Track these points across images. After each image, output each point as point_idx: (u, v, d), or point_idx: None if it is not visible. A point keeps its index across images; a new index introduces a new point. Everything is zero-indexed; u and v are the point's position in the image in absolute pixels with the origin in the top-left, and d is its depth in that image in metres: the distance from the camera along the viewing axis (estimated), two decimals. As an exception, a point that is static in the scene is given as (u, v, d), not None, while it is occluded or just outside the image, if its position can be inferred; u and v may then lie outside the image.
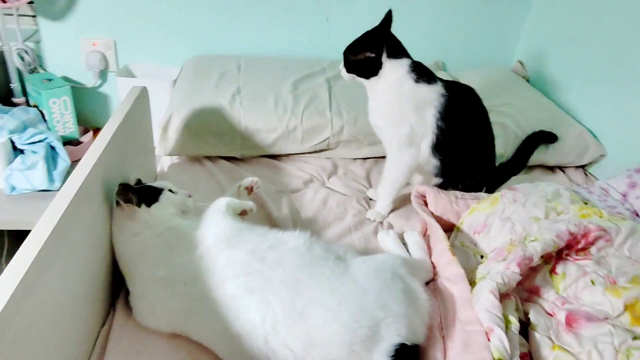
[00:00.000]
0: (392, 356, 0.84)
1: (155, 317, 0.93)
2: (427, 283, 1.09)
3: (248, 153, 1.56)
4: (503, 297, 0.98)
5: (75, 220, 0.82)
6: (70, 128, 1.77)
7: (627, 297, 0.97)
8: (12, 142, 1.52)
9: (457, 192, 1.31)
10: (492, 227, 1.19)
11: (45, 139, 1.56)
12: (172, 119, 1.49)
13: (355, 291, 0.88)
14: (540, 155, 1.64)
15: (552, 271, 1.08)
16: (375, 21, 1.24)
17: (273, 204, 1.33)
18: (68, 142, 1.76)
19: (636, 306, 0.97)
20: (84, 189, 0.86)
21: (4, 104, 1.74)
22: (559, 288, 1.05)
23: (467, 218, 1.25)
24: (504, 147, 1.59)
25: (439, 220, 1.23)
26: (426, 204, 1.30)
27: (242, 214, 1.10)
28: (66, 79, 1.92)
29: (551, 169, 1.71)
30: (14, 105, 1.78)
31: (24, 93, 1.83)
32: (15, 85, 1.81)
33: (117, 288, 1.04)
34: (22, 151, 1.54)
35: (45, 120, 1.71)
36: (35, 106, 1.74)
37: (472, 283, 1.04)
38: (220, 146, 1.53)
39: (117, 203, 1.01)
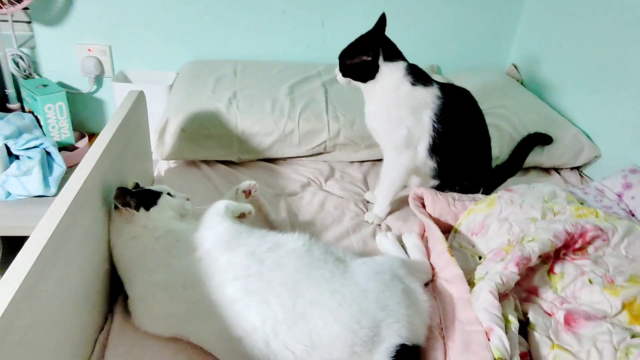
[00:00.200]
0: (393, 357, 0.84)
1: (155, 321, 0.92)
2: (426, 284, 1.10)
3: (245, 157, 1.56)
4: (502, 297, 0.99)
5: (73, 224, 0.82)
6: (66, 133, 1.77)
7: (625, 295, 0.98)
8: (8, 148, 1.51)
9: (455, 194, 1.32)
10: (490, 228, 1.20)
11: (40, 144, 1.55)
12: (168, 123, 1.49)
13: (356, 292, 0.88)
14: (535, 157, 1.65)
15: (550, 271, 1.08)
16: (370, 26, 1.25)
17: (271, 207, 1.33)
18: (63, 147, 1.76)
19: (634, 305, 0.98)
20: (82, 193, 0.86)
21: (-1, 110, 1.73)
22: (557, 288, 1.06)
23: (464, 219, 1.26)
24: (499, 149, 1.60)
25: (436, 222, 1.23)
26: (424, 206, 1.31)
27: (241, 216, 1.10)
28: (61, 84, 1.91)
29: (546, 170, 1.72)
30: (9, 111, 1.78)
31: (19, 99, 1.83)
32: (10, 91, 1.80)
33: (115, 292, 1.03)
34: (17, 157, 1.53)
35: (40, 126, 1.70)
36: (31, 112, 1.74)
37: (471, 284, 1.04)
38: (218, 150, 1.53)
39: (115, 207, 1.01)
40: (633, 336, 0.93)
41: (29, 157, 1.51)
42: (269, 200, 1.37)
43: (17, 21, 1.81)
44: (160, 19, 1.89)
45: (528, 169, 1.68)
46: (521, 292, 1.08)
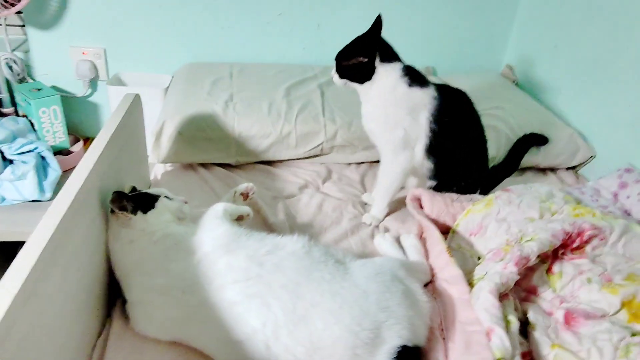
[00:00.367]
0: (395, 358, 0.83)
1: (154, 326, 0.92)
2: (426, 285, 1.10)
3: (242, 159, 1.56)
4: (502, 297, 0.99)
5: (71, 229, 0.81)
6: (61, 137, 1.76)
7: (624, 294, 0.98)
8: (2, 153, 1.49)
9: (452, 195, 1.32)
10: (488, 228, 1.20)
11: (35, 148, 1.54)
12: (165, 126, 1.48)
13: (356, 294, 0.88)
14: (531, 157, 1.66)
15: (549, 270, 1.09)
16: (366, 29, 1.25)
17: (269, 210, 1.33)
18: (58, 151, 1.74)
19: (633, 303, 0.98)
20: (79, 197, 0.85)
21: (-7, 114, 1.72)
22: (556, 287, 1.06)
23: (462, 220, 1.26)
24: (496, 150, 1.61)
25: (434, 222, 1.24)
26: (422, 207, 1.31)
27: (239, 219, 1.09)
28: (56, 88, 1.90)
29: (543, 170, 1.73)
30: (3, 115, 1.77)
31: (13, 103, 1.82)
32: (3, 95, 1.79)
33: (113, 297, 1.02)
34: (11, 161, 1.52)
35: (34, 130, 1.69)
36: (25, 116, 1.72)
37: (470, 284, 1.04)
38: (215, 153, 1.53)
39: (112, 211, 1.00)
40: (633, 334, 0.93)
41: (24, 162, 1.50)
42: (267, 202, 1.37)
43: (11, 25, 1.80)
44: (155, 22, 1.89)
45: (524, 170, 1.69)
46: (520, 292, 1.08)
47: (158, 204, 1.02)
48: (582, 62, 1.75)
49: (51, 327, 0.75)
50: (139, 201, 1.01)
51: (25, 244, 0.72)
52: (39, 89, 1.72)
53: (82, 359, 0.88)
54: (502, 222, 1.19)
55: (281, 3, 1.93)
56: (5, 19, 1.76)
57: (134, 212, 0.99)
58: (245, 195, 1.24)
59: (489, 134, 1.42)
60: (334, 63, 1.30)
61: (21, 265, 0.68)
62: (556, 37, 1.90)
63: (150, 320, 0.92)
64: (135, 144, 1.30)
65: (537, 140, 1.66)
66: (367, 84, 1.27)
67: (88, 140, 1.95)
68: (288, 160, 1.61)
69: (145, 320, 0.93)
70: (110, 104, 1.88)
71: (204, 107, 1.56)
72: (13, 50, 1.83)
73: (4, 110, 1.80)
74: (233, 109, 1.57)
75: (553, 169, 1.74)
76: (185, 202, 1.09)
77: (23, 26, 1.82)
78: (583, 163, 1.72)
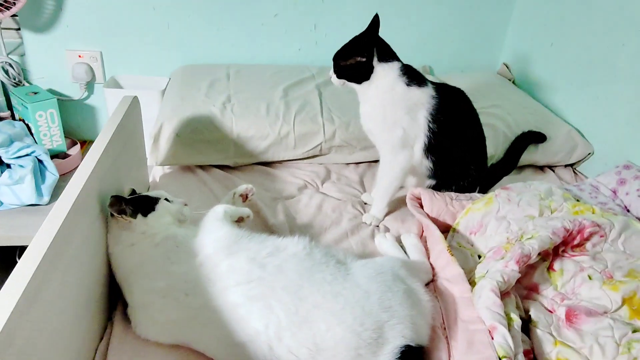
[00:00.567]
0: (398, 358, 0.83)
1: (156, 329, 0.91)
2: (427, 284, 1.10)
3: (241, 161, 1.56)
4: (503, 295, 0.99)
5: (71, 233, 0.81)
6: (58, 141, 1.75)
7: (625, 290, 0.98)
8: (-1, 157, 1.49)
9: (452, 194, 1.32)
10: (488, 226, 1.20)
11: (32, 152, 1.54)
12: (163, 128, 1.48)
13: (358, 295, 0.88)
14: (530, 155, 1.67)
15: (550, 268, 1.09)
16: (362, 29, 1.25)
17: (268, 211, 1.33)
18: (55, 155, 1.74)
19: (634, 299, 0.98)
20: (79, 201, 0.85)
21: (-11, 119, 1.71)
22: (557, 284, 1.06)
23: (462, 219, 1.26)
24: (494, 148, 1.61)
25: (434, 221, 1.24)
26: (421, 206, 1.31)
27: (239, 220, 1.09)
28: (52, 91, 1.89)
29: (541, 168, 1.73)
30: (0, 119, 1.75)
31: (9, 107, 1.81)
32: (0, 99, 1.78)
33: (113, 300, 1.02)
34: (8, 165, 1.51)
35: (31, 134, 1.68)
36: (21, 120, 1.72)
37: (472, 283, 1.04)
38: (213, 154, 1.52)
39: (112, 215, 0.99)
40: (634, 331, 0.93)
41: (21, 166, 1.49)
42: (267, 203, 1.36)
43: (6, 28, 1.79)
44: (151, 24, 1.88)
45: (523, 167, 1.70)
46: (522, 290, 1.08)
47: (158, 207, 1.02)
48: (579, 59, 1.76)
49: (53, 331, 0.74)
50: (139, 204, 1.00)
51: (27, 249, 0.72)
52: (36, 93, 1.71)
53: (84, 364, 0.88)
54: (502, 221, 1.19)
55: (276, 4, 1.92)
56: (1, 23, 1.75)
57: (133, 215, 0.98)
58: (244, 197, 1.24)
59: (487, 133, 1.42)
60: (330, 63, 1.30)
61: (23, 270, 0.68)
62: (552, 35, 1.90)
63: (151, 323, 0.92)
64: (133, 146, 1.30)
65: (535, 138, 1.67)
66: (365, 83, 1.27)
67: (85, 144, 1.94)
68: (287, 161, 1.61)
69: (147, 323, 0.92)
70: (107, 107, 1.87)
71: (201, 109, 1.55)
72: (9, 53, 1.82)
73: (1, 114, 1.79)
74: (231, 111, 1.57)
75: (551, 167, 1.74)
76: (185, 204, 1.09)
77: (18, 29, 1.81)
78: (581, 160, 1.72)
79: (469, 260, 1.17)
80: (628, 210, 1.40)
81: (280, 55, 2.02)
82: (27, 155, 1.52)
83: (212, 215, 1.01)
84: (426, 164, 1.32)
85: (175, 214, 1.04)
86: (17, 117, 1.77)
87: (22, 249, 1.55)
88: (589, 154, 1.70)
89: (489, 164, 1.49)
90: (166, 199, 1.05)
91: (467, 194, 1.34)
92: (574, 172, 1.73)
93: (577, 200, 1.25)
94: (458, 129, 1.33)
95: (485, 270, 1.05)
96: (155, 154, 1.48)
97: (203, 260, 0.92)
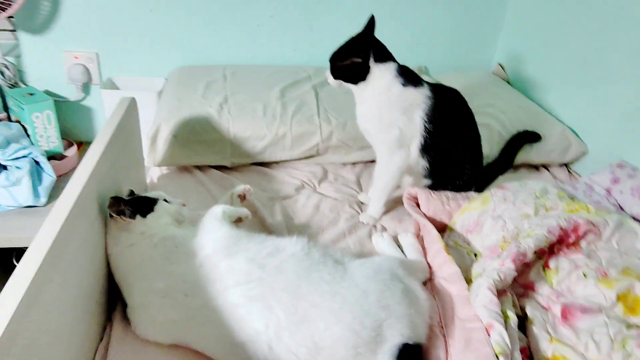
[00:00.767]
0: (397, 356, 0.84)
1: (155, 329, 0.92)
2: (424, 283, 1.11)
3: (238, 161, 1.56)
4: (500, 293, 1.00)
5: (71, 235, 0.81)
6: (54, 142, 1.75)
7: (619, 288, 1.00)
8: (-4, 159, 1.49)
9: (448, 193, 1.33)
10: (484, 225, 1.21)
11: (29, 154, 1.54)
12: (160, 129, 1.48)
13: (357, 294, 0.89)
14: (524, 155, 1.68)
15: (545, 266, 1.10)
16: (357, 30, 1.26)
17: (266, 211, 1.33)
18: (52, 156, 1.73)
19: (628, 296, 0.99)
20: (78, 203, 0.85)
21: (-15, 120, 1.71)
22: (553, 282, 1.07)
23: (459, 218, 1.27)
24: (489, 148, 1.62)
25: (431, 221, 1.24)
26: (418, 206, 1.32)
27: (237, 221, 1.10)
28: (48, 93, 1.89)
29: (536, 167, 1.74)
30: (-4, 121, 1.75)
31: (5, 108, 1.80)
32: (-4, 100, 1.78)
33: (113, 301, 1.02)
34: (5, 167, 1.51)
35: (28, 135, 1.68)
36: (18, 121, 1.71)
37: (468, 281, 1.05)
38: (210, 155, 1.53)
39: (111, 216, 1.00)
40: (629, 327, 0.94)
41: (18, 167, 1.49)
42: (264, 204, 1.37)
43: (2, 30, 1.78)
44: (148, 25, 1.88)
45: (518, 167, 1.71)
46: (518, 288, 1.09)
47: (157, 207, 1.02)
48: (573, 59, 1.77)
49: (54, 332, 0.75)
50: (138, 205, 1.01)
51: (27, 251, 0.72)
52: (32, 94, 1.71)
53: (84, 364, 0.88)
54: (498, 219, 1.20)
55: (272, 5, 1.93)
56: (-4, 24, 1.75)
57: (132, 216, 0.99)
58: (242, 197, 1.25)
59: (482, 132, 1.43)
60: (326, 64, 1.31)
61: (24, 272, 0.68)
62: (546, 34, 1.92)
63: (151, 323, 0.92)
64: (131, 147, 1.30)
65: (529, 137, 1.68)
66: (361, 84, 1.28)
67: (82, 145, 1.94)
68: (284, 161, 1.62)
69: (147, 323, 0.93)
70: (103, 108, 1.87)
71: (198, 110, 1.56)
72: (5, 55, 1.82)
73: (-3, 115, 1.79)
74: (227, 111, 1.57)
75: (546, 166, 1.75)
76: (184, 205, 1.09)
77: (14, 31, 1.81)
78: (576, 159, 1.74)
79: (465, 259, 1.18)
80: (622, 209, 1.41)
81: (276, 56, 2.03)
82: (23, 156, 1.52)
83: (211, 215, 1.02)
84: (422, 164, 1.33)
85: (174, 215, 1.04)
86: (13, 118, 1.76)
87: (19, 251, 1.55)
88: (583, 153, 1.71)
89: (484, 164, 1.51)
90: (165, 200, 1.06)
91: (463, 193, 1.35)
92: (569, 171, 1.75)
93: (572, 199, 1.26)
94: (454, 128, 1.34)
95: (481, 268, 1.06)
96: (153, 155, 1.48)
97: (202, 261, 0.92)
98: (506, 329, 0.91)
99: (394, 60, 1.29)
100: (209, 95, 1.66)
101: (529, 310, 1.02)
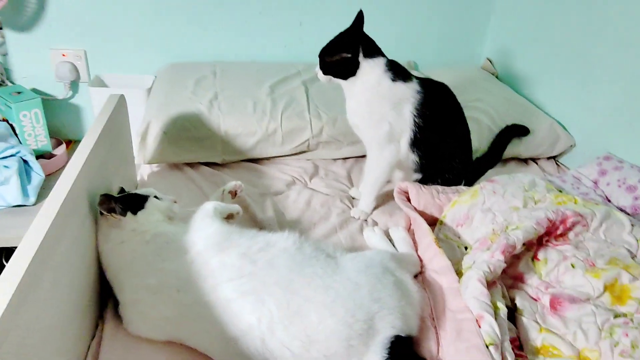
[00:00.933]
0: (388, 348, 0.85)
1: (148, 326, 0.92)
2: (415, 276, 1.11)
3: (229, 158, 1.56)
4: (489, 285, 1.01)
5: (61, 233, 0.81)
6: (43, 141, 1.74)
7: (606, 278, 1.01)
8: (-17, 158, 1.47)
9: (438, 187, 1.34)
10: (474, 218, 1.22)
11: (17, 153, 1.52)
12: (150, 127, 1.47)
13: (349, 287, 0.89)
14: (513, 148, 1.70)
15: (534, 257, 1.12)
16: (347, 25, 1.26)
17: (257, 207, 1.33)
18: (40, 155, 1.72)
19: (615, 286, 1.01)
20: (68, 201, 0.85)
21: (-28, 119, 1.69)
22: (542, 273, 1.09)
23: (449, 211, 1.28)
24: (478, 142, 1.63)
25: (422, 214, 1.25)
26: (409, 200, 1.33)
27: (229, 217, 1.10)
28: (36, 91, 1.87)
29: (525, 161, 1.76)
30: (-18, 120, 1.73)
31: (-8, 107, 1.78)
32: (-18, 99, 1.75)
33: (104, 299, 1.02)
34: (-7, 167, 1.49)
35: (16, 134, 1.67)
36: (5, 120, 1.70)
37: (459, 274, 1.06)
38: (201, 152, 1.53)
39: (102, 213, 1.00)
40: (616, 316, 0.96)
41: (6, 167, 1.48)
42: (255, 200, 1.37)
43: (-13, 28, 1.77)
44: (136, 22, 1.87)
45: (507, 160, 1.73)
46: (507, 279, 1.10)
47: (148, 204, 1.02)
48: (560, 53, 1.79)
49: (45, 330, 0.75)
50: (128, 202, 1.01)
51: (17, 249, 0.72)
52: (19, 92, 1.69)
53: (77, 362, 0.88)
54: (488, 212, 1.21)
55: (261, 2, 1.92)
56: (-19, 22, 1.72)
57: (123, 213, 0.99)
58: (233, 193, 1.25)
59: (471, 127, 1.44)
60: (316, 60, 1.31)
61: (14, 270, 0.67)
62: (534, 29, 1.93)
63: (143, 320, 0.92)
64: (121, 145, 1.30)
65: (518, 131, 1.69)
66: (351, 79, 1.28)
67: (71, 143, 1.93)
68: (274, 157, 1.62)
69: (139, 320, 0.93)
70: (92, 106, 1.86)
71: (188, 107, 1.55)
72: (-10, 53, 1.80)
73: (-17, 114, 1.77)
74: (218, 108, 1.57)
75: (534, 159, 1.77)
76: (175, 202, 1.09)
77: (0, 29, 1.79)
78: (563, 152, 1.76)
79: (456, 252, 1.19)
80: (609, 200, 1.43)
81: (266, 52, 2.03)
82: (11, 155, 1.51)
83: (202, 212, 1.02)
84: (412, 158, 1.34)
85: (165, 211, 1.04)
86: (0, 117, 1.74)
87: (8, 251, 1.53)
88: (571, 146, 1.73)
89: (473, 158, 1.52)
90: (155, 197, 1.05)
91: (453, 187, 1.36)
92: (557, 164, 1.77)
93: (560, 191, 1.28)
94: (443, 123, 1.35)
95: (472, 261, 1.07)
96: (143, 152, 1.48)
97: (194, 257, 0.92)
98: (496, 319, 0.92)
99: (383, 55, 1.29)
100: (199, 92, 1.65)
101: (518, 301, 1.03)
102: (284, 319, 0.84)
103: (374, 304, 0.88)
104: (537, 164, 1.76)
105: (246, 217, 1.30)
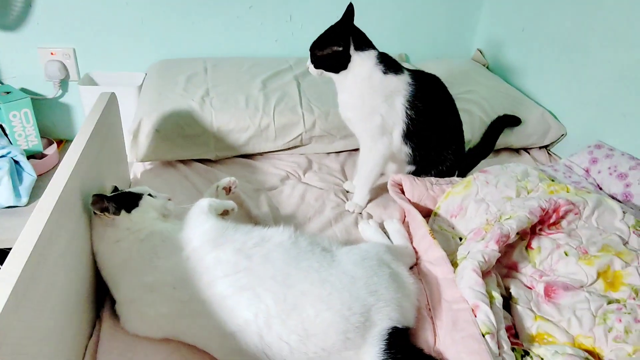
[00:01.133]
0: (385, 340, 0.86)
1: (145, 324, 0.92)
2: (411, 268, 1.12)
3: (222, 154, 1.56)
4: (484, 274, 1.02)
5: (56, 233, 0.81)
6: (33, 141, 1.72)
7: (599, 265, 1.03)
8: (-26, 159, 1.46)
9: (432, 178, 1.35)
10: (468, 209, 1.23)
11: (8, 153, 1.51)
12: (142, 124, 1.47)
13: (345, 280, 0.90)
14: (505, 138, 1.71)
15: (528, 246, 1.13)
16: (338, 19, 1.26)
17: (252, 203, 1.33)
18: (31, 155, 1.71)
19: (608, 273, 1.03)
20: (62, 201, 0.84)
21: (-39, 121, 1.67)
22: (536, 262, 1.10)
23: (443, 203, 1.29)
24: (471, 133, 1.64)
25: (416, 206, 1.26)
26: (403, 192, 1.33)
27: (224, 213, 1.10)
28: (25, 90, 1.85)
29: (517, 151, 1.78)
30: (-29, 121, 1.72)
31: (-19, 108, 1.76)
32: (-30, 100, 1.74)
33: (101, 298, 1.02)
34: (-16, 168, 1.48)
35: (6, 135, 1.65)
36: (-5, 121, 1.68)
37: (454, 264, 1.07)
38: (194, 149, 1.52)
39: (95, 213, 0.99)
40: (609, 302, 0.98)
41: (-3, 167, 1.47)
42: (250, 195, 1.37)
43: (-27, 27, 1.74)
44: (125, 19, 1.85)
45: (499, 151, 1.74)
46: (502, 269, 1.11)
47: (142, 202, 1.02)
48: (550, 43, 1.80)
49: (43, 330, 0.74)
50: (122, 201, 1.00)
51: (12, 250, 0.72)
52: (8, 92, 1.68)
53: (75, 362, 0.88)
54: (481, 203, 1.22)
55: (251, -4, 1.92)
56: (-33, 22, 1.70)
57: (117, 212, 0.98)
58: (227, 190, 1.25)
59: (463, 118, 1.45)
60: (307, 54, 1.31)
61: (9, 271, 0.67)
62: (523, 20, 1.94)
63: (140, 318, 0.92)
64: (113, 143, 1.29)
65: (510, 121, 1.70)
66: (342, 73, 1.28)
67: (62, 143, 1.92)
68: (268, 152, 1.62)
69: (136, 318, 0.93)
70: (82, 105, 1.85)
71: (180, 104, 1.55)
72: (-23, 53, 1.78)
73: (-28, 115, 1.75)
74: (210, 104, 1.56)
75: (526, 149, 1.79)
76: (169, 199, 1.09)
77: (-14, 28, 1.77)
78: (555, 141, 1.77)
79: (450, 243, 1.20)
80: (600, 188, 1.45)
81: (256, 47, 2.02)
82: (2, 156, 1.50)
83: (197, 209, 1.02)
84: (405, 150, 1.34)
85: (160, 209, 1.04)
86: (-11, 118, 1.73)
87: (2, 252, 1.53)
88: (562, 135, 1.75)
89: (466, 149, 1.53)
90: (150, 195, 1.05)
91: (446, 179, 1.37)
92: (548, 153, 1.78)
93: (552, 180, 1.28)
94: (435, 114, 1.35)
95: (466, 251, 1.08)
96: (135, 150, 1.47)
97: (190, 254, 0.92)
98: (491, 308, 0.93)
99: (374, 48, 1.29)
100: (191, 88, 1.64)
101: (513, 290, 1.04)
102: (281, 314, 0.84)
103: (370, 297, 0.88)
104: (529, 153, 1.77)
105: (241, 213, 1.30)
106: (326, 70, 1.30)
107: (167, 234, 0.97)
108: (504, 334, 0.91)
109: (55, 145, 1.82)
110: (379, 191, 1.42)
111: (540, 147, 1.79)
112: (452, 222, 1.25)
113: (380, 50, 1.30)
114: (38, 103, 1.88)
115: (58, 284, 0.82)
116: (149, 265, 0.93)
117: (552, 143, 1.78)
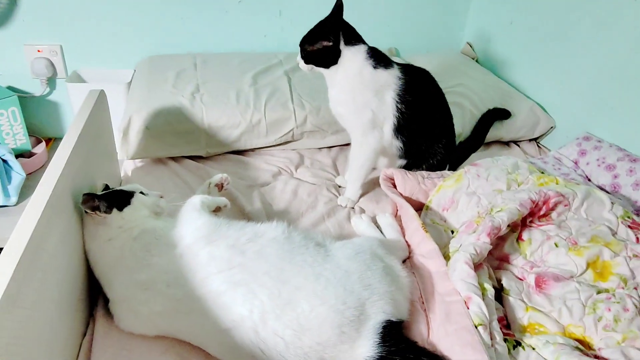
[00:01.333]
0: (380, 333, 0.86)
1: (139, 322, 0.92)
2: (404, 261, 1.13)
3: (213, 150, 1.55)
4: (476, 267, 1.03)
5: (47, 232, 0.80)
6: (22, 140, 1.71)
7: (589, 255, 1.04)
8: (-39, 159, 1.44)
9: (424, 172, 1.35)
10: (460, 202, 1.24)
11: (-4, 152, 1.49)
12: (132, 121, 1.45)
13: (339, 274, 0.90)
14: (495, 132, 1.72)
15: (519, 238, 1.14)
16: (327, 14, 1.25)
17: (245, 199, 1.33)
18: (20, 154, 1.69)
19: (597, 263, 1.04)
20: (52, 200, 0.84)
21: (-54, 120, 1.64)
22: (526, 253, 1.11)
23: (435, 196, 1.29)
24: (461, 126, 1.65)
25: (408, 200, 1.27)
26: (395, 186, 1.34)
27: (216, 210, 1.10)
28: (12, 88, 1.83)
29: (507, 144, 1.79)
30: (-42, 120, 1.69)
31: (-33, 107, 1.74)
32: (-44, 99, 1.71)
33: (94, 296, 1.01)
34: (-28, 167, 1.47)
35: (-7, 134, 1.63)
36: (-18, 119, 1.66)
37: (446, 257, 1.08)
38: (185, 146, 1.51)
39: (86, 211, 0.98)
40: (598, 292, 0.99)
41: (-15, 167, 1.45)
42: (242, 192, 1.37)
43: (-42, 25, 1.72)
44: (112, 15, 1.83)
45: (489, 144, 1.75)
46: (493, 261, 1.13)
47: (134, 200, 1.01)
48: (538, 36, 1.81)
49: (36, 330, 0.74)
50: (113, 199, 1.00)
51: (2, 251, 0.71)
52: (-5, 91, 1.66)
53: (69, 361, 0.88)
54: (473, 196, 1.23)
55: (240, -9, 1.91)
56: (-49, 19, 1.68)
57: (108, 210, 0.97)
58: (220, 186, 1.25)
59: (454, 111, 1.46)
60: (297, 49, 1.30)
61: (1, 271, 0.67)
62: (512, 13, 1.95)
63: (135, 316, 0.92)
64: (103, 141, 1.28)
65: (500, 114, 1.72)
66: (333, 68, 1.28)
67: (50, 141, 1.90)
68: (259, 148, 1.61)
69: (130, 316, 0.92)
70: (70, 102, 1.83)
71: (170, 100, 1.54)
72: (-38, 51, 1.75)
73: (-42, 114, 1.73)
74: (200, 101, 1.55)
75: (516, 142, 1.80)
76: (161, 197, 1.08)
77: (-29, 25, 1.74)
78: (544, 134, 1.79)
79: (442, 236, 1.21)
80: (589, 180, 1.46)
81: (246, 42, 2.01)
82: (-10, 155, 1.48)
83: (190, 206, 1.01)
84: (396, 144, 1.35)
85: (152, 207, 1.03)
86: (-24, 117, 1.70)
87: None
88: (551, 127, 1.76)
89: (457, 142, 1.54)
90: (141, 192, 1.04)
91: (438, 172, 1.38)
92: (538, 145, 1.80)
93: (542, 173, 1.30)
94: (425, 108, 1.36)
95: (458, 244, 1.09)
96: (126, 147, 1.46)
97: (183, 251, 0.92)
98: (484, 300, 0.94)
99: (364, 42, 1.29)
100: (180, 84, 1.63)
101: (504, 282, 1.05)
102: (276, 309, 0.84)
103: (364, 290, 0.89)
104: (518, 146, 1.78)
105: (234, 209, 1.29)
106: (316, 65, 1.30)
107: (159, 231, 0.97)
108: (496, 325, 0.92)
109: (43, 143, 1.80)
110: (371, 185, 1.43)
111: (530, 140, 1.81)
112: (444, 215, 1.26)
113: (370, 45, 1.30)
114: (25, 101, 1.85)
115: (50, 283, 0.81)
116: (142, 263, 0.93)
117: (541, 135, 1.79)
